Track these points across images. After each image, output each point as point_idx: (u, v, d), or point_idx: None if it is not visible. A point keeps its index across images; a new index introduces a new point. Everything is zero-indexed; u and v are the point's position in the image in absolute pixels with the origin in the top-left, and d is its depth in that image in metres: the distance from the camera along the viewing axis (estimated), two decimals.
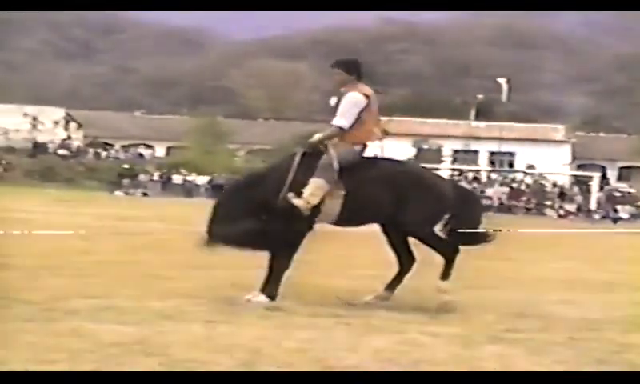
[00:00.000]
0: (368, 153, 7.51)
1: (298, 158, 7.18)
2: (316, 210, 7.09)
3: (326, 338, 5.58)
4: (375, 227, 7.51)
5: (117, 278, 8.16)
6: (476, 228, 7.53)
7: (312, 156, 7.18)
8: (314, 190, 7.04)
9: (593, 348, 5.70)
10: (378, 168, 7.35)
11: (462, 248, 7.45)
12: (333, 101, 7.36)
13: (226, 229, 7.07)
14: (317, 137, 7.30)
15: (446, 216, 7.44)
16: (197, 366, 4.62)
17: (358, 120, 7.21)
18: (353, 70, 7.38)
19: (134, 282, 7.87)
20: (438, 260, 7.41)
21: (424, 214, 7.25)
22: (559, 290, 9.14)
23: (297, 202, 6.98)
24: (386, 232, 7.47)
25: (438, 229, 7.42)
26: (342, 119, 7.20)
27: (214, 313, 6.31)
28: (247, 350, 5.03)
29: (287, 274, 7.15)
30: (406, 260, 7.42)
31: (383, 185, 7.18)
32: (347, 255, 11.69)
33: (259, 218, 7.05)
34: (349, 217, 7.27)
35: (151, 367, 4.57)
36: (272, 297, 6.97)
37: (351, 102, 7.21)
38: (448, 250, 7.33)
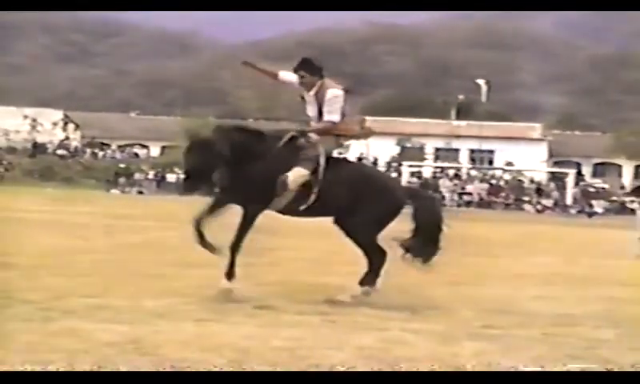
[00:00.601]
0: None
1: (284, 140, 7.22)
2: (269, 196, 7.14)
3: (312, 336, 5.60)
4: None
5: (112, 276, 8.14)
6: (439, 226, 7.47)
7: (295, 143, 7.23)
8: (296, 177, 7.06)
9: (567, 343, 5.77)
10: (335, 167, 7.33)
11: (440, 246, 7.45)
12: (308, 96, 7.41)
13: (197, 152, 7.10)
14: (309, 127, 7.36)
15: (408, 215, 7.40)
16: (188, 366, 4.65)
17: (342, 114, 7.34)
18: (316, 70, 7.39)
19: (128, 280, 7.85)
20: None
21: (372, 217, 7.19)
22: (536, 286, 9.20)
23: (288, 182, 7.03)
24: (345, 232, 7.41)
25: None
26: (333, 115, 7.27)
27: (205, 311, 6.35)
28: (236, 349, 5.07)
29: (278, 271, 7.26)
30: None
31: (335, 184, 7.16)
32: (334, 252, 11.49)
33: (222, 166, 7.03)
34: (291, 207, 7.27)
35: (145, 367, 4.59)
36: (229, 276, 7.09)
37: (336, 98, 7.29)
38: (378, 260, 7.26)
